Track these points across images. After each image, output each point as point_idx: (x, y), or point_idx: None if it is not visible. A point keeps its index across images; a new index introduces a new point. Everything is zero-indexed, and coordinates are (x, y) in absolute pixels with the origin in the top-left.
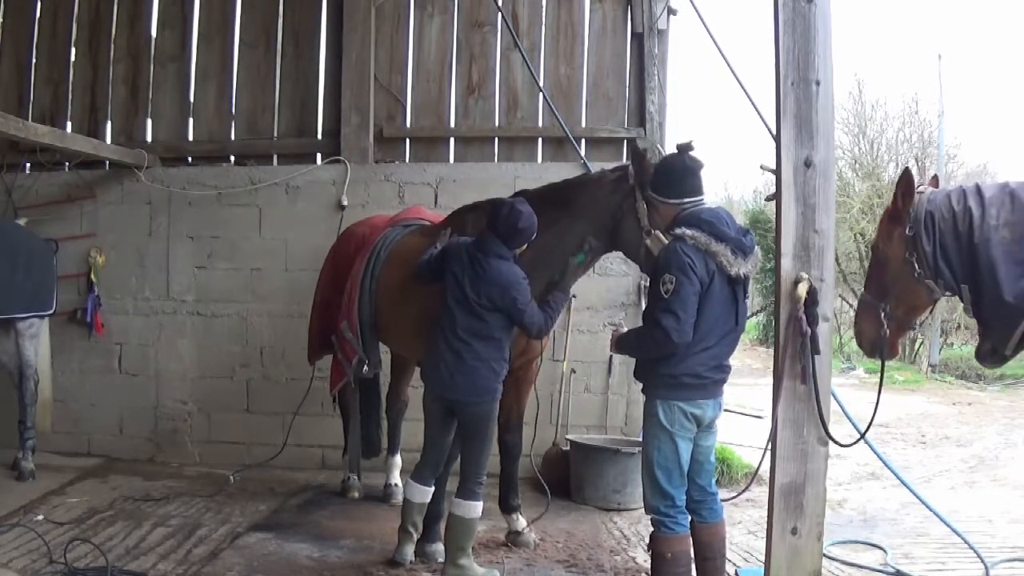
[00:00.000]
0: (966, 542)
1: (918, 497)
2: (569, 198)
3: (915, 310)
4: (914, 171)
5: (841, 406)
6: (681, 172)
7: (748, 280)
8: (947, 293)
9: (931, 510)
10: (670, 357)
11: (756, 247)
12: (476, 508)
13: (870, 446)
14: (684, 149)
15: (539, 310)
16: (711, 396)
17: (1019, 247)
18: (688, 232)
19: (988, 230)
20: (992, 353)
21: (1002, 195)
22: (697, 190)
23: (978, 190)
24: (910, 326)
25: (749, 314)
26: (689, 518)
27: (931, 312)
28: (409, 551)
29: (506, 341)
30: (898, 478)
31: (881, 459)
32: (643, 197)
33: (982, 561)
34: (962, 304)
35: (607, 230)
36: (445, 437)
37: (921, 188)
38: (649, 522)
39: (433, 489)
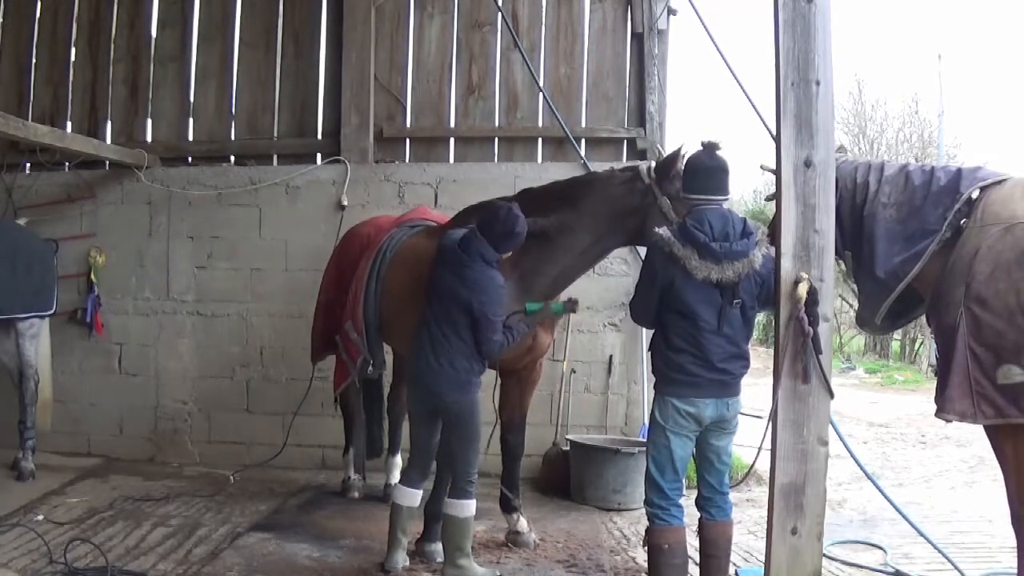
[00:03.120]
0: (940, 552)
1: (889, 501)
2: (578, 197)
3: None
4: None
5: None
6: (691, 170)
7: (737, 286)
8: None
9: (898, 511)
10: (663, 353)
11: (750, 253)
12: (468, 507)
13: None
14: (706, 147)
15: (502, 332)
16: (710, 396)
17: (901, 227)
18: (661, 232)
19: (877, 206)
20: (866, 321)
21: (898, 176)
22: (705, 190)
23: (881, 167)
24: None
25: None
26: (684, 511)
27: None
28: (399, 557)
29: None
30: (871, 480)
31: (857, 462)
32: (664, 193)
33: (960, 573)
34: (845, 268)
35: (628, 229)
36: (431, 439)
37: (837, 156)
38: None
39: (421, 492)
